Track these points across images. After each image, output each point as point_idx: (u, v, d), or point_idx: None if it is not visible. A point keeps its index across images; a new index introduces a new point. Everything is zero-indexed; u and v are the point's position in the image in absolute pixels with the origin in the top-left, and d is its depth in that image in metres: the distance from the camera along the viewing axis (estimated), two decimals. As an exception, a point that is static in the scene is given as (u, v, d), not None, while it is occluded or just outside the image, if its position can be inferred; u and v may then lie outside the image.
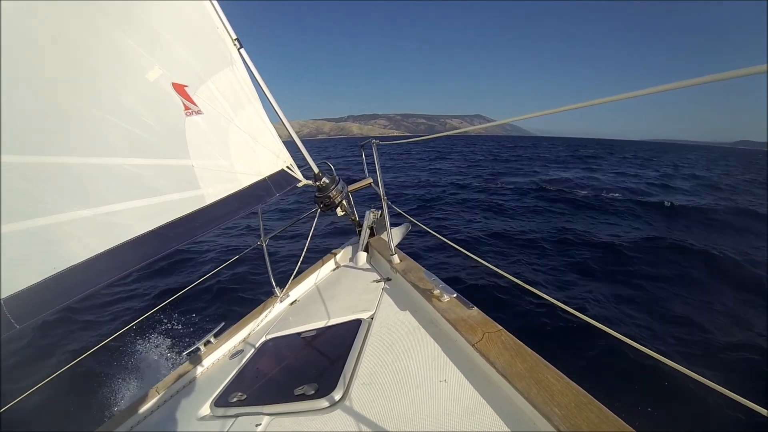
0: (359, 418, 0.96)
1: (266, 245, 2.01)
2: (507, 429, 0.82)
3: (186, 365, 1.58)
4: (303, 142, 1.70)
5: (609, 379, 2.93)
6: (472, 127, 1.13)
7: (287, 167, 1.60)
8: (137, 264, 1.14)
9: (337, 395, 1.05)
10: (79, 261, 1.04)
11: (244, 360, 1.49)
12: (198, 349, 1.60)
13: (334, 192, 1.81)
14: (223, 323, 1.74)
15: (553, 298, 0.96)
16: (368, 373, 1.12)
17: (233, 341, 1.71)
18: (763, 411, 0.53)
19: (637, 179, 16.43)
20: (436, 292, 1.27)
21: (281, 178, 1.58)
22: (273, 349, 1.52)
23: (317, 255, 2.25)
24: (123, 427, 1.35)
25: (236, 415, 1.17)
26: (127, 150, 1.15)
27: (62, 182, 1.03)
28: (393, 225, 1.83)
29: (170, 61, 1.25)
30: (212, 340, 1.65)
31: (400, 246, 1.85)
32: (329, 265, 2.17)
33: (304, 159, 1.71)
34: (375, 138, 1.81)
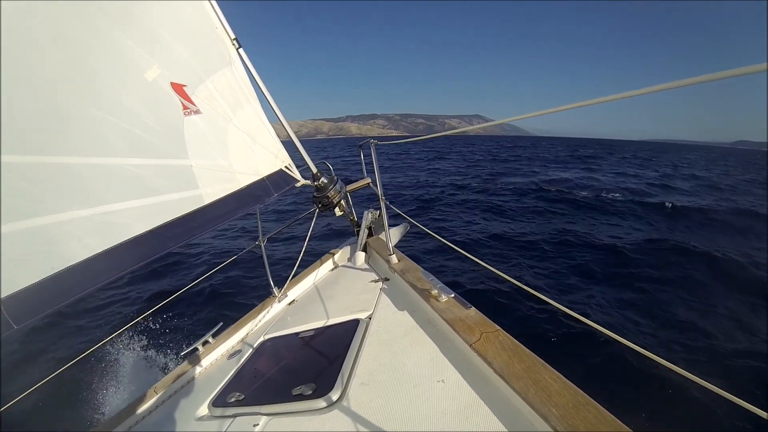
0: (357, 418, 0.97)
1: (264, 245, 2.03)
2: (504, 429, 0.83)
3: (184, 365, 1.59)
4: (302, 142, 1.73)
5: (611, 385, 2.93)
6: (470, 127, 1.15)
7: (285, 167, 1.62)
8: (135, 264, 1.15)
9: (334, 395, 1.07)
10: (77, 261, 1.05)
11: (242, 360, 1.50)
12: (196, 349, 1.61)
13: (332, 192, 1.84)
14: (221, 323, 1.75)
15: (556, 302, 0.96)
16: (366, 373, 1.13)
17: (231, 341, 1.73)
18: (762, 414, 0.54)
19: (637, 179, 16.57)
20: (434, 292, 1.29)
21: (279, 178, 1.60)
22: (271, 349, 1.54)
23: (312, 258, 2.27)
24: (121, 428, 1.36)
25: (234, 415, 1.18)
26: (126, 150, 1.17)
27: (62, 182, 1.04)
28: (391, 225, 1.86)
29: (169, 60, 1.28)
30: (210, 340, 1.66)
31: (399, 246, 1.88)
32: (327, 265, 2.19)
33: (303, 159, 1.73)
34: (373, 138, 1.83)
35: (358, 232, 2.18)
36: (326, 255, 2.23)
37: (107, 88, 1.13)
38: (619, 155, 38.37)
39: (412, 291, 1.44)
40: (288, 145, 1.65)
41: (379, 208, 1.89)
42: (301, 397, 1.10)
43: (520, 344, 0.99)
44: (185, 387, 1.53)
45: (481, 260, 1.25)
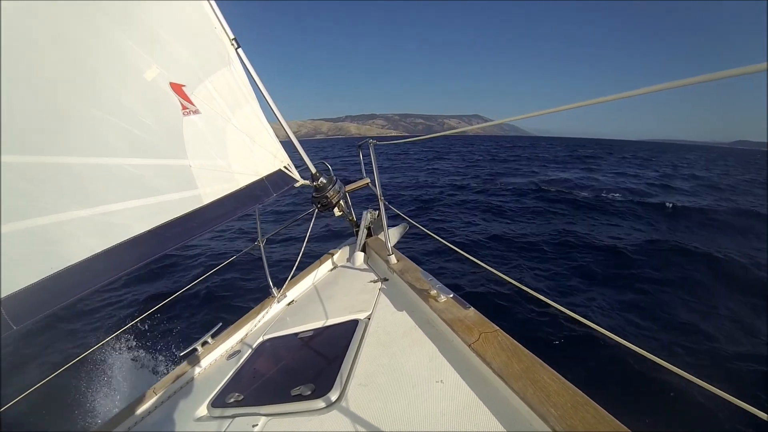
0: (355, 418, 0.98)
1: (263, 246, 2.04)
2: (503, 429, 0.84)
3: (183, 366, 1.61)
4: (301, 142, 1.74)
5: (612, 386, 2.95)
6: (470, 127, 1.17)
7: (284, 167, 1.64)
8: (135, 264, 1.17)
9: (333, 396, 1.08)
10: (77, 261, 1.06)
11: (242, 360, 1.52)
12: (195, 349, 1.63)
13: (331, 192, 1.85)
14: (220, 324, 1.77)
15: (558, 304, 0.96)
16: (365, 374, 1.14)
17: (230, 342, 1.74)
18: (762, 415, 0.54)
19: (637, 179, 16.67)
20: (433, 292, 1.30)
21: (278, 178, 1.61)
22: (270, 349, 1.55)
23: (310, 261, 2.29)
24: (120, 428, 1.37)
25: (233, 416, 1.20)
26: (126, 150, 1.18)
27: (62, 182, 1.05)
28: (390, 225, 1.87)
29: (168, 60, 1.29)
30: (209, 340, 1.68)
31: (398, 246, 1.89)
32: (327, 265, 2.20)
33: (302, 159, 1.74)
34: (373, 138, 1.85)
35: (357, 232, 2.19)
36: (325, 255, 2.24)
37: (107, 88, 1.14)
38: (619, 155, 38.57)
39: (411, 291, 1.45)
40: (287, 145, 1.66)
41: (378, 209, 1.90)
42: (300, 398, 1.12)
43: (519, 344, 1.00)
44: (184, 387, 1.54)
45: (482, 261, 1.26)
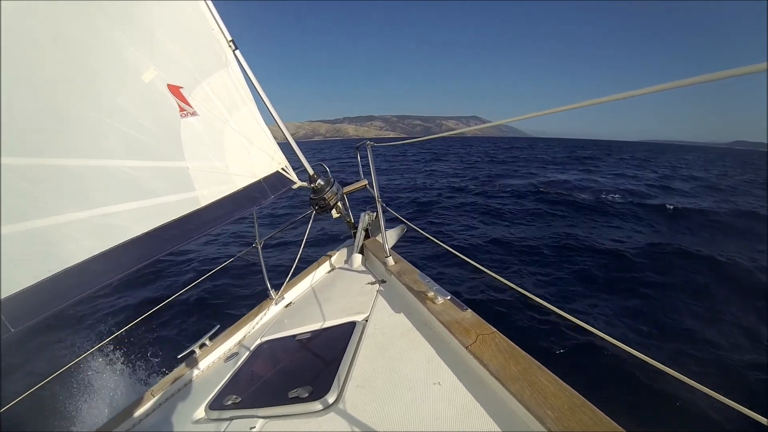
0: (353, 420, 1.00)
1: (261, 247, 2.06)
2: (500, 431, 0.86)
3: (181, 368, 1.62)
4: (299, 143, 1.77)
5: (617, 394, 2.96)
6: (467, 128, 1.20)
7: (282, 169, 1.66)
8: (133, 266, 1.18)
9: (330, 398, 1.10)
10: (75, 263, 1.08)
11: (239, 363, 1.53)
12: (193, 351, 1.64)
13: (329, 194, 1.88)
14: (218, 326, 1.78)
15: (561, 310, 0.94)
16: (362, 376, 1.16)
17: (228, 344, 1.76)
18: (763, 420, 0.55)
19: (637, 181, 16.83)
20: (431, 294, 1.32)
21: (276, 179, 1.64)
22: (268, 351, 1.57)
23: (304, 265, 2.30)
24: (118, 430, 1.39)
25: (231, 418, 1.21)
26: (124, 152, 1.20)
27: (61, 183, 1.07)
28: (388, 227, 1.90)
29: (166, 62, 1.31)
30: (207, 342, 1.69)
31: (395, 249, 1.92)
32: (324, 267, 2.23)
33: (300, 161, 1.77)
34: (370, 139, 1.88)
35: (355, 234, 2.22)
36: (323, 257, 2.26)
37: (106, 88, 1.16)
38: (617, 156, 38.90)
39: (409, 293, 1.47)
40: (284, 146, 1.69)
41: (376, 211, 1.93)
42: (297, 400, 1.13)
43: (516, 346, 1.01)
44: (182, 390, 1.55)
45: (482, 266, 1.26)
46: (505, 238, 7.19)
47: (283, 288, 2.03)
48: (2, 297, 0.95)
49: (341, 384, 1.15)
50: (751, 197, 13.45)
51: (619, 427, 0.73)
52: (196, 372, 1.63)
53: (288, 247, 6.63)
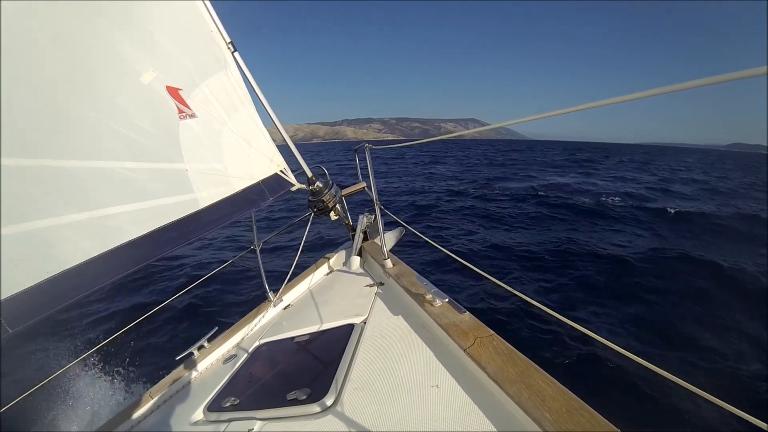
0: (351, 423, 1.01)
1: (259, 249, 2.08)
2: None
3: (180, 370, 1.63)
4: (298, 146, 1.80)
5: (619, 401, 2.96)
6: (466, 131, 1.23)
7: (281, 171, 1.69)
8: (131, 268, 1.20)
9: (329, 400, 1.11)
10: (73, 264, 1.09)
11: (238, 365, 1.55)
12: (191, 353, 1.65)
13: (327, 196, 1.90)
14: (216, 328, 1.79)
15: (564, 317, 0.94)
16: (360, 378, 1.18)
17: (227, 346, 1.77)
18: (762, 425, 0.56)
19: (636, 183, 16.95)
20: (429, 296, 1.35)
21: (275, 182, 1.66)
22: (266, 353, 1.59)
23: (304, 267, 2.32)
24: (118, 430, 1.39)
25: (229, 420, 1.23)
26: (123, 153, 1.23)
27: (60, 185, 1.09)
28: (386, 230, 1.92)
29: (165, 64, 1.34)
30: (206, 344, 1.71)
31: (393, 252, 1.94)
32: (323, 269, 2.25)
33: (298, 163, 1.80)
34: (369, 142, 1.91)
35: (353, 236, 2.24)
36: (321, 259, 2.29)
37: (105, 89, 1.19)
38: (616, 158, 39.15)
39: (407, 295, 1.49)
40: (283, 149, 1.71)
41: (374, 213, 1.96)
42: (295, 402, 1.15)
43: (514, 349, 1.03)
44: (180, 392, 1.57)
45: (483, 271, 1.27)
46: (505, 242, 7.17)
47: (281, 290, 2.05)
48: (1, 298, 0.97)
49: (339, 386, 1.16)
50: (751, 200, 13.58)
51: (617, 429, 0.74)
52: (194, 374, 1.64)
53: (284, 252, 6.63)
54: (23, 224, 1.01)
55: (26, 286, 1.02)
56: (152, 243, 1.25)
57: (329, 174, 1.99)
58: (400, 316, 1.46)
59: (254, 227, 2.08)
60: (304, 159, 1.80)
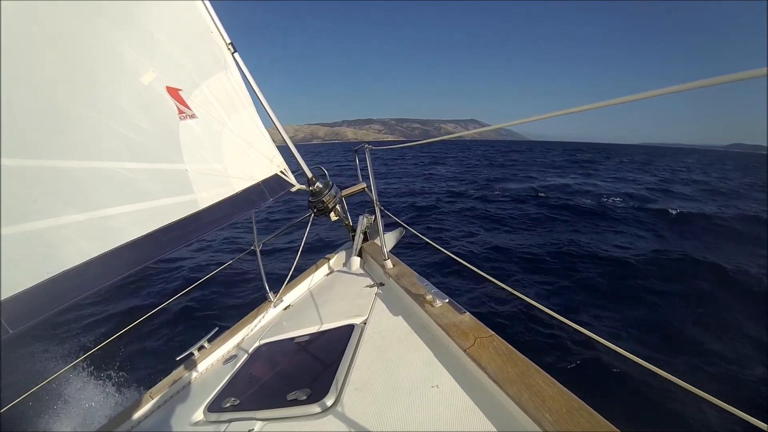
0: (351, 423, 1.02)
1: (259, 250, 2.09)
2: None
3: (180, 370, 1.64)
4: (298, 146, 1.81)
5: (623, 404, 2.96)
6: (466, 132, 1.24)
7: (281, 172, 1.70)
8: (131, 268, 1.21)
9: (329, 401, 1.12)
10: (74, 265, 1.10)
11: (238, 365, 1.56)
12: (192, 354, 1.66)
13: (327, 197, 1.92)
14: (216, 328, 1.80)
15: (568, 320, 0.94)
16: (360, 379, 1.19)
17: (227, 346, 1.78)
18: (762, 425, 0.56)
19: (637, 184, 16.99)
20: (429, 297, 1.36)
21: (275, 182, 1.67)
22: (266, 354, 1.60)
23: (301, 271, 2.32)
24: (118, 430, 1.40)
25: (229, 420, 1.24)
26: (123, 154, 1.24)
27: (60, 185, 1.10)
28: (386, 230, 1.93)
29: (165, 64, 1.35)
30: (206, 345, 1.72)
31: (393, 253, 1.95)
32: (323, 270, 2.26)
33: (298, 164, 1.81)
34: (369, 143, 1.92)
35: (353, 237, 2.25)
36: (321, 260, 2.30)
37: (105, 89, 1.20)
38: (616, 159, 39.24)
39: (407, 296, 1.50)
40: (283, 149, 1.72)
41: (374, 214, 1.97)
42: (295, 403, 1.16)
43: (514, 349, 1.04)
44: (181, 392, 1.57)
45: (485, 273, 1.28)
46: (506, 244, 7.16)
47: (281, 290, 2.05)
48: (1, 298, 0.97)
49: (339, 387, 1.17)
50: (752, 201, 13.63)
51: (618, 430, 0.75)
52: (194, 374, 1.65)
53: (283, 254, 6.62)
54: (23, 224, 1.02)
55: (27, 287, 1.02)
56: (152, 244, 1.26)
57: (329, 175, 2.00)
58: (400, 316, 1.47)
59: (254, 228, 2.09)
60: (304, 160, 1.81)
